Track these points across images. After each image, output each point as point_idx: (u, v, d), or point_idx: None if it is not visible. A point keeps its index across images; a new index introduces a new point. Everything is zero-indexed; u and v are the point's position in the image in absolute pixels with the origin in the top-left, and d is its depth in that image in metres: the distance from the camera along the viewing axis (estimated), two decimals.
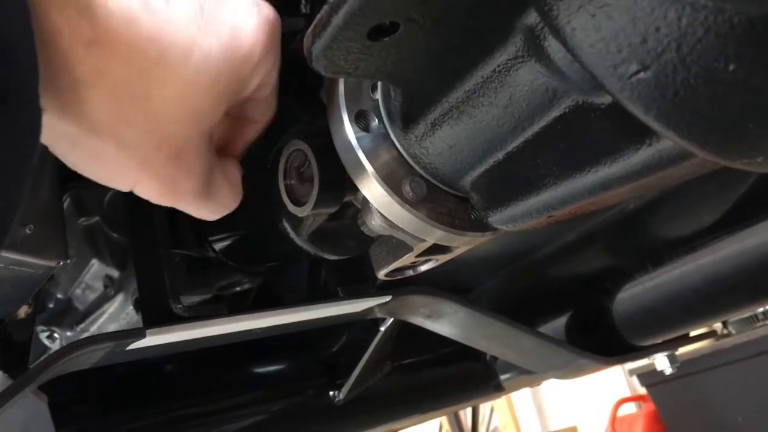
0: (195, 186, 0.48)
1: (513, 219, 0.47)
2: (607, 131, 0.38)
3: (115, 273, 0.93)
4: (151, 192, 0.46)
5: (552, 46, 0.37)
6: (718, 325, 2.74)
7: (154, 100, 0.42)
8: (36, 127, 0.34)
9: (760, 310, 2.66)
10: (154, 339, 0.65)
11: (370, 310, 0.79)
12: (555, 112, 0.41)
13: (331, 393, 0.96)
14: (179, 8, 0.41)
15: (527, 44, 0.38)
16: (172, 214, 0.75)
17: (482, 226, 0.51)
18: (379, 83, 0.49)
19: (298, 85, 0.80)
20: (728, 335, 2.75)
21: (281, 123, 0.76)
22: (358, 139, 0.49)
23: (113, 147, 0.42)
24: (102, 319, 0.96)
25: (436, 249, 0.54)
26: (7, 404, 0.59)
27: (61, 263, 0.59)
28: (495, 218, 0.48)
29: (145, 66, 0.40)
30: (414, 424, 1.17)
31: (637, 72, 0.29)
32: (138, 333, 0.63)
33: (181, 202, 0.49)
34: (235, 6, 0.45)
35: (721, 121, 0.30)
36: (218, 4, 0.44)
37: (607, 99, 0.38)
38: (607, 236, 0.96)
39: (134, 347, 0.66)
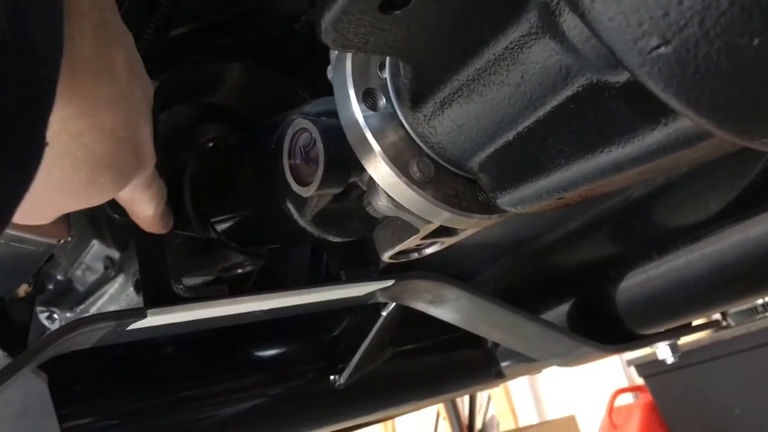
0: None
1: (522, 201, 0.46)
2: (622, 111, 0.37)
3: (115, 254, 0.92)
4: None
5: (567, 22, 0.36)
6: (718, 317, 2.74)
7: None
8: (39, 153, 0.33)
9: (760, 302, 2.65)
10: (155, 319, 0.64)
11: (372, 294, 0.79)
12: (568, 92, 0.40)
13: (331, 377, 0.95)
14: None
15: (541, 20, 0.37)
16: (175, 195, 0.74)
17: (490, 209, 0.50)
18: (388, 61, 0.48)
19: (304, 65, 0.80)
20: (727, 327, 2.75)
21: (284, 101, 0.76)
22: (365, 118, 0.48)
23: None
24: (102, 301, 0.96)
25: (442, 231, 0.54)
26: (6, 382, 0.59)
27: (62, 241, 0.58)
28: (503, 200, 0.47)
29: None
30: (414, 410, 1.17)
31: (658, 47, 0.28)
32: (139, 313, 0.63)
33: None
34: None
35: (743, 98, 0.29)
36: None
37: (622, 77, 0.37)
38: (612, 223, 0.95)
39: (135, 327, 0.65)
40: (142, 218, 0.60)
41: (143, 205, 0.58)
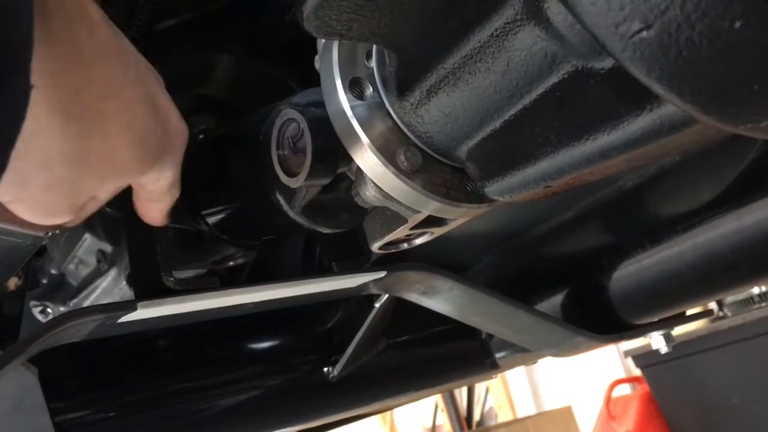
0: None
1: (509, 190, 0.46)
2: (607, 97, 0.37)
3: (107, 247, 0.92)
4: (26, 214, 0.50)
5: (551, 8, 0.36)
6: (714, 307, 2.74)
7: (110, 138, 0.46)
8: (25, 97, 0.33)
9: (756, 292, 2.66)
10: (145, 312, 0.64)
11: (364, 285, 0.79)
12: (553, 79, 0.39)
13: (325, 369, 0.95)
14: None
15: (526, 6, 0.37)
16: None
17: (478, 198, 0.50)
18: (374, 50, 0.48)
19: (295, 55, 0.79)
20: (724, 317, 2.75)
21: (274, 93, 0.75)
22: (352, 107, 0.47)
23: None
24: (95, 294, 0.95)
25: (431, 221, 0.53)
26: None
27: (50, 234, 0.58)
28: (491, 189, 0.47)
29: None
30: (409, 401, 1.17)
31: (640, 30, 0.28)
32: (129, 306, 0.63)
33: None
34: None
35: (725, 82, 0.28)
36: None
37: (607, 64, 0.37)
38: (604, 213, 0.95)
39: (126, 320, 0.65)
40: (158, 208, 0.60)
41: (167, 195, 0.58)
